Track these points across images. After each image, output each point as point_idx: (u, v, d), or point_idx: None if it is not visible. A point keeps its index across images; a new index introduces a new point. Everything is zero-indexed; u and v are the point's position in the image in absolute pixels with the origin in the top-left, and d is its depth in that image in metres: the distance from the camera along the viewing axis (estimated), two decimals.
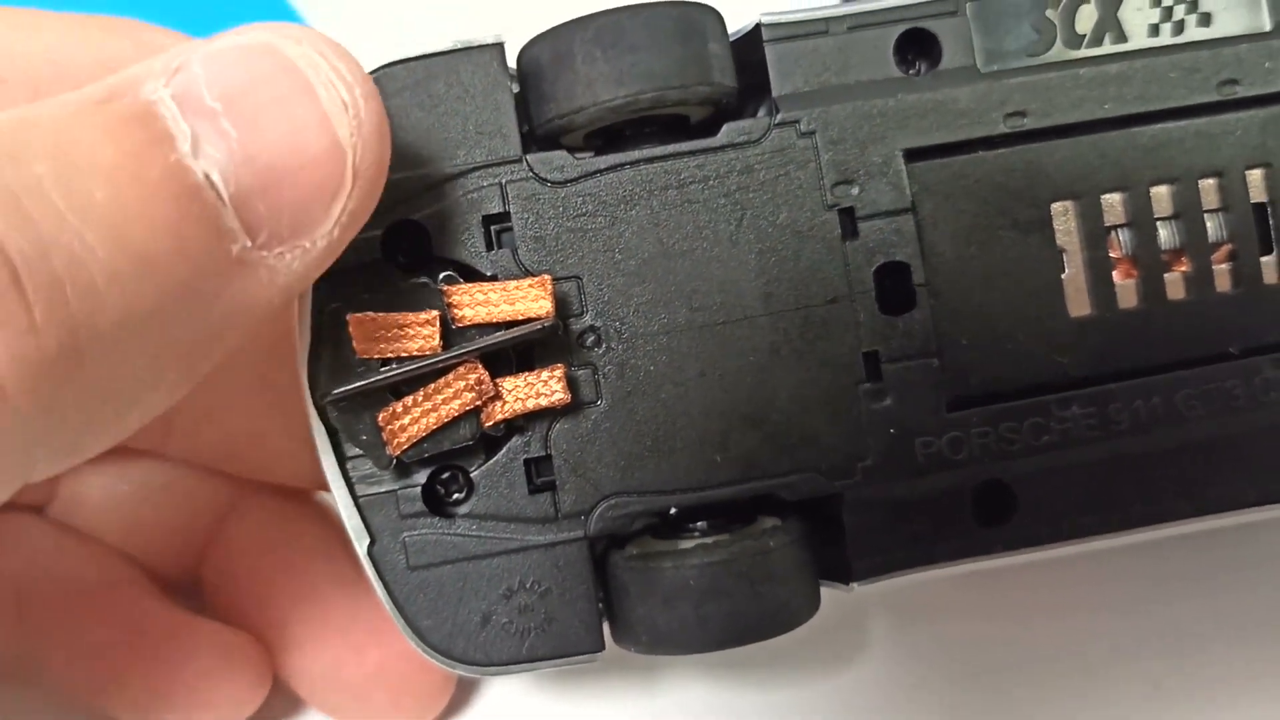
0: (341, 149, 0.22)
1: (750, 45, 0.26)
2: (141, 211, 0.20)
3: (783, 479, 0.26)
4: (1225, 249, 0.27)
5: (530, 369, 0.25)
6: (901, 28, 0.26)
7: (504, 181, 0.25)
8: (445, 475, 0.25)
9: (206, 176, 0.21)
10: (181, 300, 0.21)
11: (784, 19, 0.26)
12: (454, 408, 0.25)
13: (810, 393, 0.26)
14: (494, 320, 0.25)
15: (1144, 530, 0.27)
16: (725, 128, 0.26)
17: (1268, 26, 0.27)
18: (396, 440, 0.25)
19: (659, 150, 0.26)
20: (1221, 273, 0.27)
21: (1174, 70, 0.26)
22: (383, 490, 0.25)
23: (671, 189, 0.26)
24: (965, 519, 0.26)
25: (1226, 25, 0.27)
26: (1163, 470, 0.27)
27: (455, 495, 0.25)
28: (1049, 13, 0.27)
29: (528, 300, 0.25)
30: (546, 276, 0.25)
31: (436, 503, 0.25)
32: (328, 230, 0.22)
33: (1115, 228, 0.27)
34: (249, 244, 0.21)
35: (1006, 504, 0.26)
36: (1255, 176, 0.27)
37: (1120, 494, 0.27)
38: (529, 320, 0.25)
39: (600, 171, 0.26)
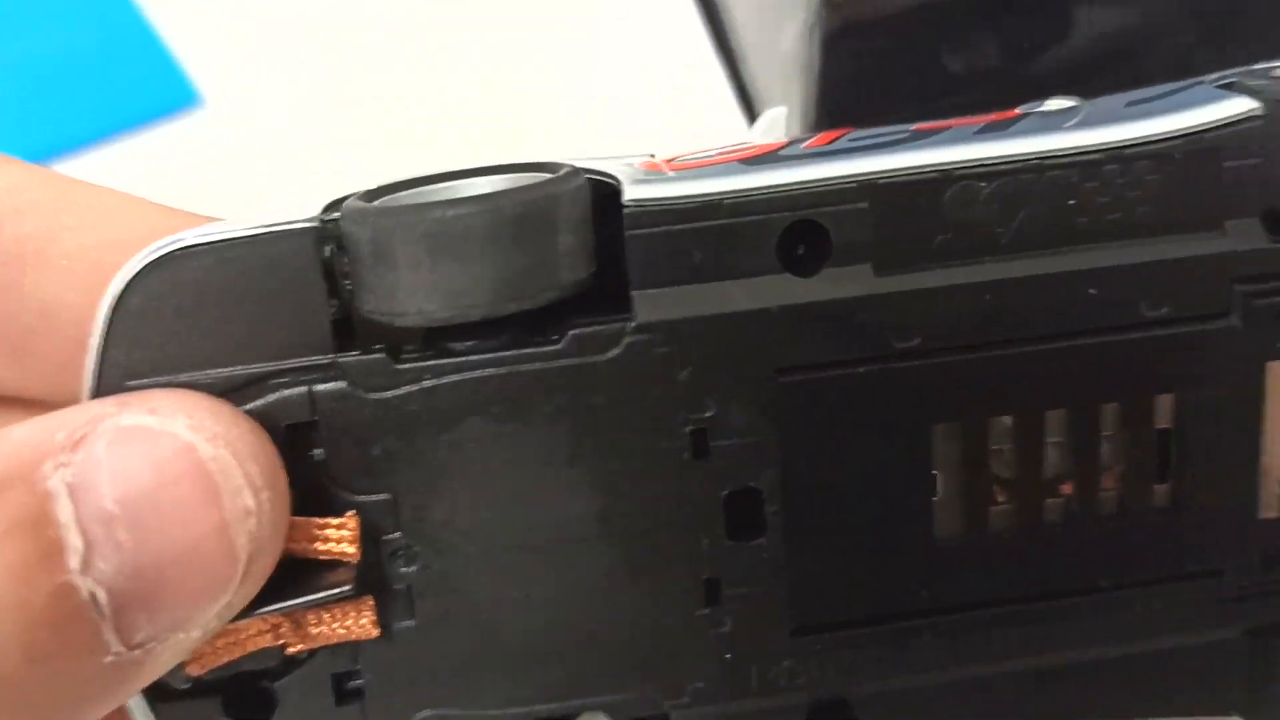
0: (236, 557, 0.20)
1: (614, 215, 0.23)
2: (16, 639, 0.18)
3: (609, 698, 0.24)
4: (1116, 475, 0.25)
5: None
6: (790, 218, 0.23)
7: (312, 386, 0.22)
8: (246, 690, 0.24)
9: (92, 595, 0.19)
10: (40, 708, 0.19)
11: (652, 204, 0.22)
12: (256, 643, 0.23)
13: (644, 617, 0.24)
14: (295, 553, 0.22)
15: None
16: (570, 335, 0.22)
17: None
18: (197, 662, 0.23)
19: (490, 357, 0.22)
20: (1109, 500, 0.25)
21: (1084, 283, 0.23)
22: (181, 705, 0.24)
23: (504, 400, 0.23)
24: None
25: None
26: (1021, 699, 0.26)
27: (258, 709, 0.24)
28: (965, 210, 0.23)
29: (331, 542, 0.22)
30: (353, 517, 0.22)
31: (238, 716, 0.24)
32: (205, 623, 0.20)
33: (1000, 450, 0.24)
34: (123, 650, 0.19)
35: None
36: (1164, 401, 0.24)
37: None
38: (334, 559, 0.22)
39: (423, 378, 0.22)
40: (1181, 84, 0.25)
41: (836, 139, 0.24)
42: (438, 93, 0.54)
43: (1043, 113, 0.25)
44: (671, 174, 0.23)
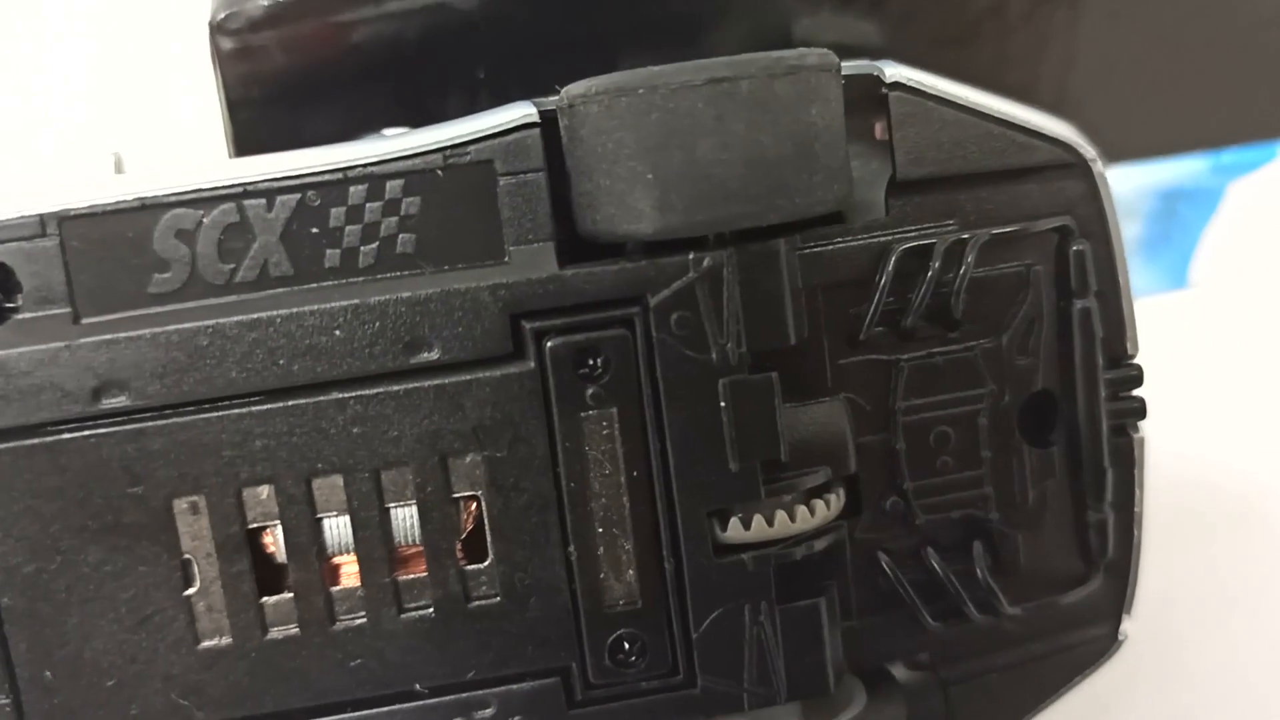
0: None
1: None
2: None
3: None
4: (418, 554, 0.21)
5: None
6: None
7: None
8: None
9: None
10: None
11: None
12: None
13: None
14: None
15: None
16: None
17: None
18: None
19: None
20: (413, 585, 0.21)
21: (346, 323, 0.20)
22: None
23: None
24: None
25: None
26: None
27: None
28: (185, 237, 0.20)
29: None
30: None
31: None
32: None
33: (263, 528, 0.20)
34: None
35: None
36: (463, 463, 0.20)
37: None
38: None
39: None
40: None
41: None
42: None
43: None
44: None
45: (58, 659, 0.20)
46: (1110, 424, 0.22)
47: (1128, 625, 0.23)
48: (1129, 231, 0.32)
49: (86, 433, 0.19)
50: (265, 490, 0.20)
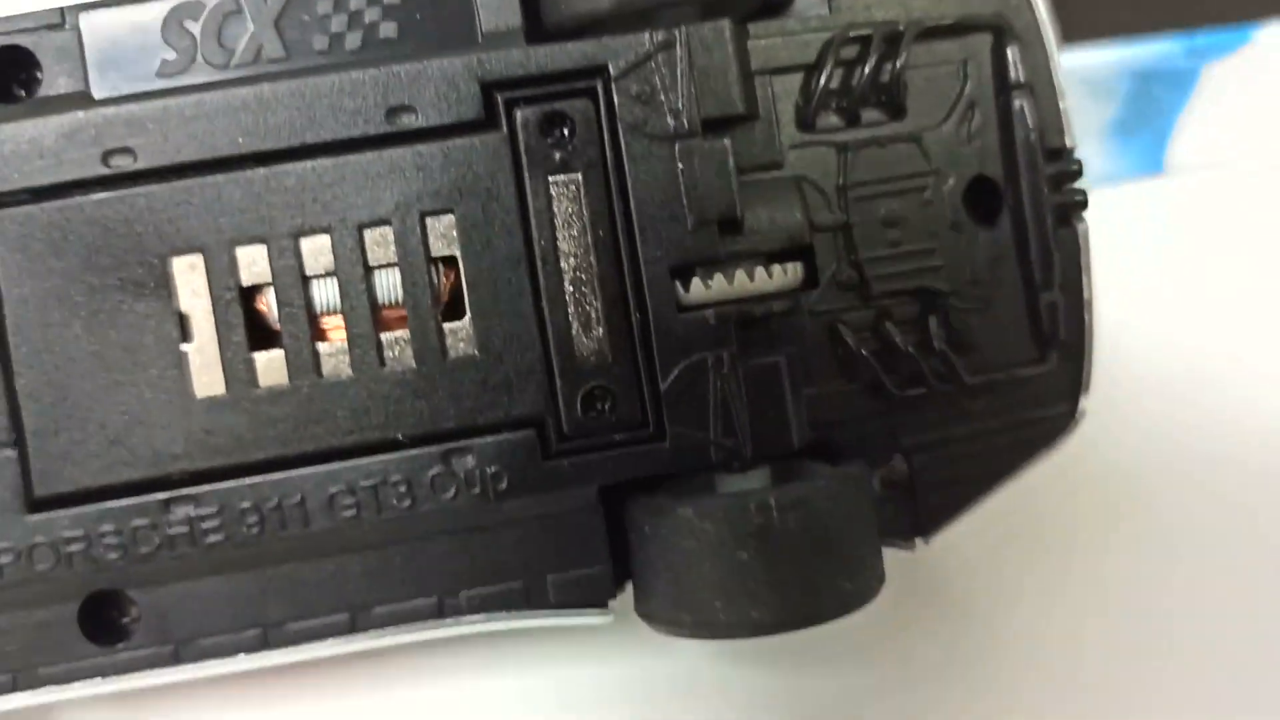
0: None
1: None
2: None
3: None
4: (400, 313, 0.22)
5: None
6: None
7: None
8: None
9: None
10: None
11: None
12: None
13: None
14: None
15: (300, 650, 0.22)
16: None
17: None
18: None
19: None
20: (395, 341, 0.22)
21: (333, 94, 0.22)
22: None
23: None
24: (74, 637, 0.22)
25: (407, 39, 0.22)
26: (315, 579, 0.22)
27: None
28: (189, 24, 0.22)
29: None
30: None
31: None
32: None
33: (259, 287, 0.22)
34: None
35: (122, 619, 0.22)
36: (441, 224, 0.22)
37: (267, 608, 0.22)
38: None
39: None
40: None
41: None
42: None
43: None
44: None
45: (62, 406, 0.21)
46: (1055, 215, 0.24)
47: (1085, 404, 0.24)
48: (1105, 113, 0.35)
49: (96, 195, 0.21)
50: (259, 251, 0.22)
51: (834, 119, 0.23)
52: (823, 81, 0.23)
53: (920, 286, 0.23)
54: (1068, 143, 0.24)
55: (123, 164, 0.21)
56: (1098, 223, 0.24)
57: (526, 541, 0.22)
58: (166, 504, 0.21)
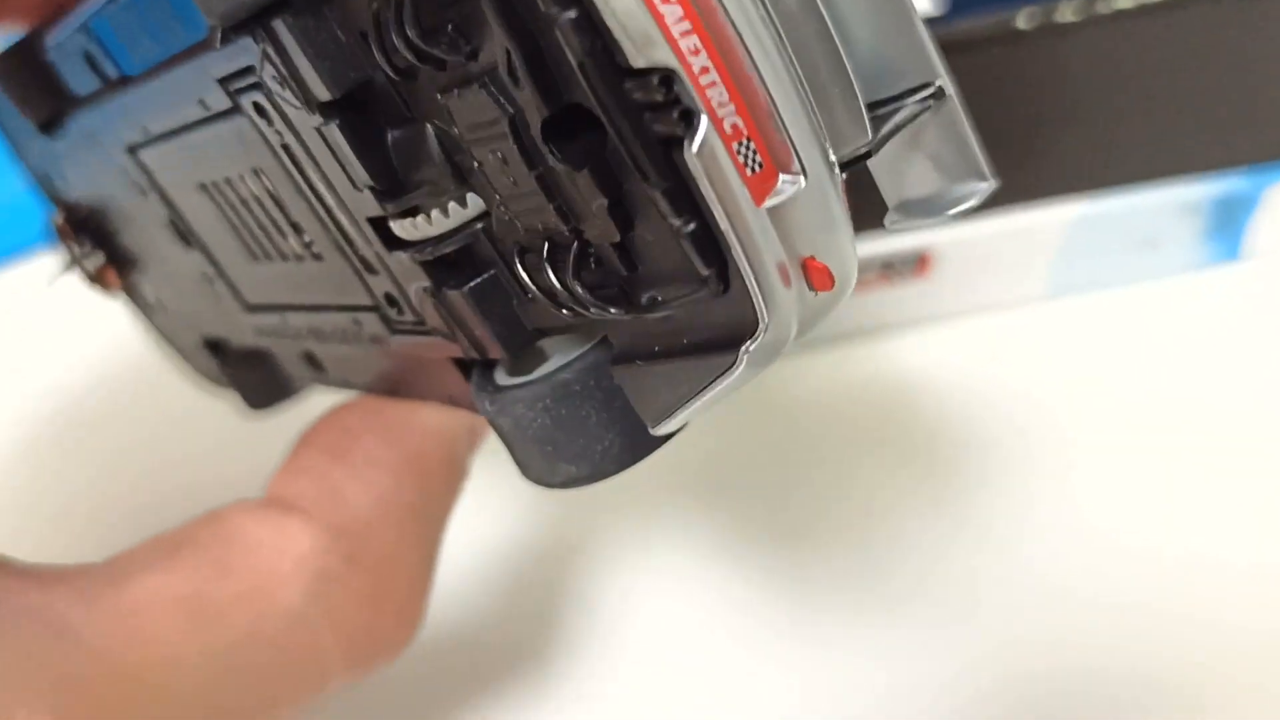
0: None
1: None
2: None
3: None
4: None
5: None
6: None
7: None
8: None
9: None
10: None
11: None
12: None
13: None
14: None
15: None
16: None
17: None
18: None
19: None
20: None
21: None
22: None
23: None
24: None
25: None
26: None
27: None
28: None
29: None
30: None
31: None
32: None
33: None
34: None
35: None
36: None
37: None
38: None
39: None
40: None
41: None
42: None
43: None
44: None
45: (230, 259, 0.33)
46: (660, 139, 0.20)
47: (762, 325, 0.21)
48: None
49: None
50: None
51: (430, 72, 0.22)
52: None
53: (549, 229, 0.22)
54: (639, 62, 0.19)
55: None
56: None
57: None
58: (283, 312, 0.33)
